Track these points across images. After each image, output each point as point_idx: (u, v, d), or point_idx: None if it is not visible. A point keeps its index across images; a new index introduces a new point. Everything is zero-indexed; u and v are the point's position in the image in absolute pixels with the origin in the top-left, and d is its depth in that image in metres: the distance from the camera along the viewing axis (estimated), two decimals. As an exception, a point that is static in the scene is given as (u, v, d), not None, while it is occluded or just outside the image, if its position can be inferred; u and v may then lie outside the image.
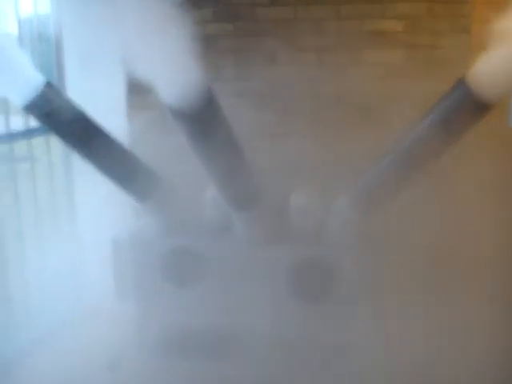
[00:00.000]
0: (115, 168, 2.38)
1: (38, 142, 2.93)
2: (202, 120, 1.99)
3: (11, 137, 2.72)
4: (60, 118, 2.21)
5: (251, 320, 2.52)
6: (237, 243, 2.52)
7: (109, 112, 2.64)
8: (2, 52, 2.02)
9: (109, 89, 2.91)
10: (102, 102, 2.79)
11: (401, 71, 2.70)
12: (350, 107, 2.69)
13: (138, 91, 2.86)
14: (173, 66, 1.81)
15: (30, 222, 2.89)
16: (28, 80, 2.09)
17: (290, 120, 2.75)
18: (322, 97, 2.74)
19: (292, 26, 2.72)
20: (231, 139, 2.15)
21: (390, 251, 2.34)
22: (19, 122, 2.81)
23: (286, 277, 2.45)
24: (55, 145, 2.98)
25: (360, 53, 2.71)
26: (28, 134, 2.84)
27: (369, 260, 2.36)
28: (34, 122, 2.79)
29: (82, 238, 3.08)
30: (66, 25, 2.94)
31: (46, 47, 2.91)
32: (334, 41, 2.71)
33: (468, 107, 1.86)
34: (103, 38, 2.85)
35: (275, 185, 2.53)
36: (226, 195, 2.34)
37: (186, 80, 1.85)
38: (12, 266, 2.75)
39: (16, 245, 2.80)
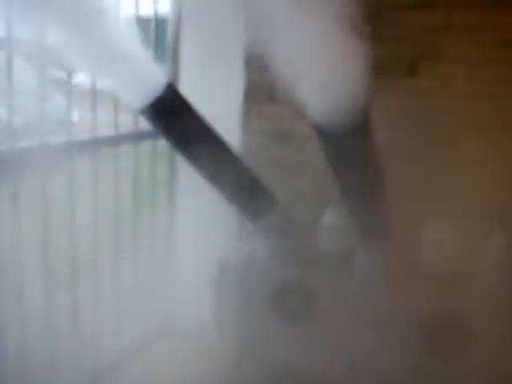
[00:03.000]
0: (230, 182, 2.12)
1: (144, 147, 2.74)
2: (354, 142, 1.69)
3: (117, 139, 2.55)
4: (178, 124, 1.99)
5: (367, 373, 2.16)
6: (359, 281, 2.17)
7: (221, 119, 2.39)
8: (123, 47, 1.83)
9: (224, 95, 2.67)
10: (215, 107, 2.56)
11: None
12: (501, 131, 2.26)
13: (257, 98, 2.60)
14: (330, 75, 1.51)
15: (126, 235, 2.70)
16: (150, 79, 1.88)
17: (429, 138, 2.36)
18: (468, 115, 2.34)
19: (441, 33, 2.34)
20: (377, 164, 1.83)
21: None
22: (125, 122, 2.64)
23: (416, 331, 2.07)
24: (161, 152, 2.78)
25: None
26: (134, 137, 2.66)
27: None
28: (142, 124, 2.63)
29: (181, 256, 2.86)
30: (185, 26, 2.74)
31: (162, 48, 2.72)
32: (492, 52, 2.30)
33: None
34: (225, 41, 2.65)
35: (407, 215, 2.18)
36: (359, 225, 2.01)
37: (345, 94, 1.54)
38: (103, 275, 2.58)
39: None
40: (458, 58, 2.34)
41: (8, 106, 2.01)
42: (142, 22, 2.57)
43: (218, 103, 2.64)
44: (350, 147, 1.74)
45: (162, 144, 2.67)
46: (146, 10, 2.68)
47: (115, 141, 2.54)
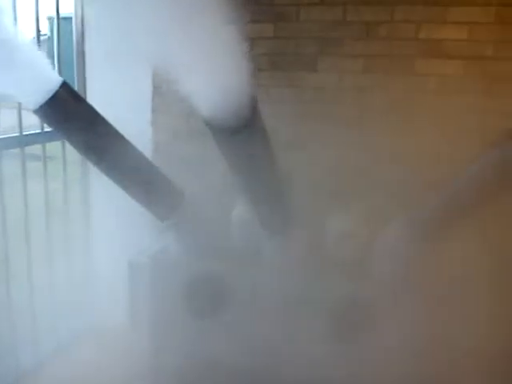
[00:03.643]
0: (134, 181, 2.12)
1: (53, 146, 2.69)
2: (245, 137, 1.72)
3: (24, 140, 2.50)
4: (75, 124, 1.97)
5: (278, 359, 2.23)
6: (266, 271, 2.24)
7: (131, 117, 2.40)
8: (14, 50, 1.80)
9: (132, 93, 2.66)
10: (124, 106, 2.56)
11: (457, 85, 2.39)
12: (395, 121, 2.38)
13: (164, 96, 2.61)
14: (215, 73, 1.54)
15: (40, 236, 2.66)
16: (43, 80, 1.86)
17: (330, 131, 2.46)
18: (365, 108, 2.45)
19: (339, 29, 2.44)
20: (272, 157, 1.89)
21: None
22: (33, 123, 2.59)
23: (321, 313, 2.16)
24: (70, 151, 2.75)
25: (412, 62, 2.42)
26: (42, 137, 2.61)
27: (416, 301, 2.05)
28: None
29: (96, 256, 2.84)
30: (89, 26, 2.72)
31: (67, 48, 2.68)
32: (385, 47, 2.42)
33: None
34: (130, 40, 2.63)
35: (311, 205, 2.26)
36: (262, 217, 2.08)
37: (230, 91, 1.57)
38: (16, 277, 2.52)
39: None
40: (354, 53, 2.45)
41: None
42: (44, 23, 2.55)
43: (128, 101, 2.64)
44: (240, 143, 1.78)
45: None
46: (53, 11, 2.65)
47: (23, 141, 2.49)
